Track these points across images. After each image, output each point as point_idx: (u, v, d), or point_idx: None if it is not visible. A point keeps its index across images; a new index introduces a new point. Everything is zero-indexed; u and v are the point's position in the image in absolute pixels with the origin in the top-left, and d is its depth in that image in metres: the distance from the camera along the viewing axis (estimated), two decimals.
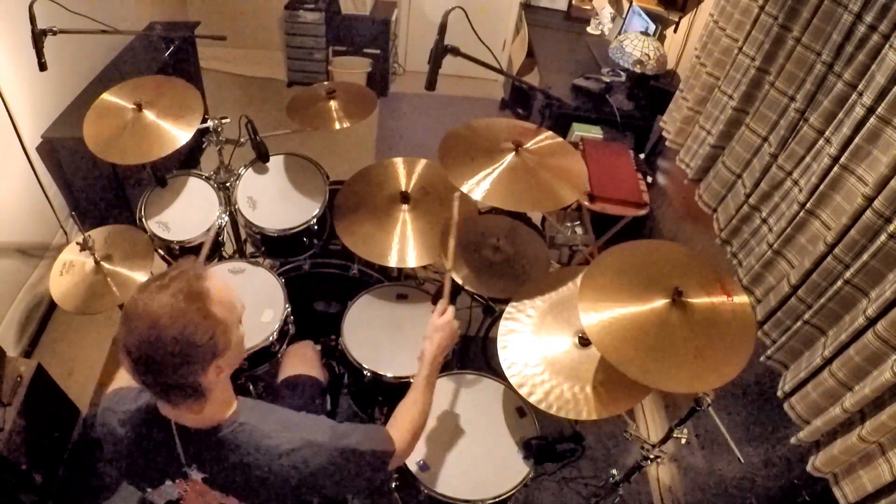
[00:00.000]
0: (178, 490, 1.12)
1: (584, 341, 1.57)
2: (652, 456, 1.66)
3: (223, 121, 2.07)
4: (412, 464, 1.60)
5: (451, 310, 1.43)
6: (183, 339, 0.90)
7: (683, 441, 1.56)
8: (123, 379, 1.24)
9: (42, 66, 1.94)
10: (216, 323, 0.94)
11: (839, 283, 1.43)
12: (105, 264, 1.84)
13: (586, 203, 2.47)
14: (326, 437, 1.12)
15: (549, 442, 1.63)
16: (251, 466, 1.05)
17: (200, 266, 1.02)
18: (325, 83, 2.40)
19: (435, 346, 1.37)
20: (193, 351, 0.92)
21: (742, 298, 1.40)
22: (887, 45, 1.37)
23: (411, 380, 1.80)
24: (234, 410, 1.08)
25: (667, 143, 2.50)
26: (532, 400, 1.48)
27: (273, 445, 1.06)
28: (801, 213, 1.61)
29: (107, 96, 1.99)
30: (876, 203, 1.32)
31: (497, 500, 1.56)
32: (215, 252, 2.26)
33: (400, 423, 1.27)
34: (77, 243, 1.79)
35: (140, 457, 1.10)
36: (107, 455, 1.13)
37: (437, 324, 1.40)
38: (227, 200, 2.17)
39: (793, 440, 1.52)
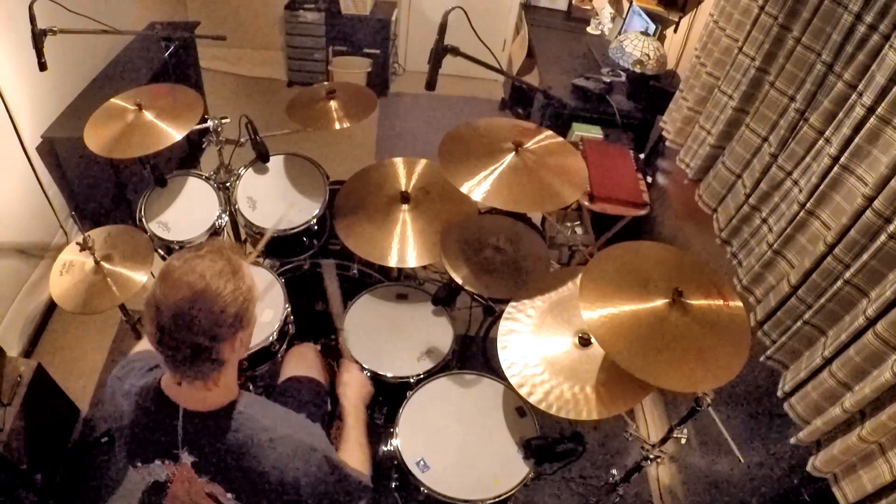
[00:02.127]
0: (165, 472, 1.13)
1: (584, 341, 1.57)
2: (652, 456, 1.66)
3: (223, 121, 2.07)
4: (412, 463, 1.60)
5: (353, 366, 1.65)
6: (221, 300, 0.95)
7: (683, 441, 1.56)
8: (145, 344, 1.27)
9: (42, 66, 1.95)
10: (248, 295, 1.00)
11: (839, 283, 1.43)
12: (105, 264, 1.84)
13: (586, 203, 2.47)
14: (322, 447, 1.15)
15: (549, 442, 1.63)
16: (242, 456, 1.07)
17: (235, 245, 1.07)
18: (325, 83, 2.40)
19: (351, 401, 1.51)
20: (227, 315, 0.96)
21: (738, 304, 1.41)
22: (887, 45, 1.37)
23: (411, 380, 1.82)
24: (236, 399, 1.10)
25: (667, 143, 2.50)
26: (532, 400, 1.48)
27: (268, 439, 1.08)
28: (801, 213, 1.61)
29: (114, 100, 2.01)
30: (876, 203, 1.32)
31: (497, 500, 1.56)
32: None
33: (358, 464, 1.33)
34: (77, 243, 1.79)
35: (137, 432, 1.11)
36: (108, 421, 1.17)
37: (344, 380, 1.58)
38: (227, 200, 2.17)
39: (793, 440, 1.52)
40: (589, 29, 3.99)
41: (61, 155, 2.72)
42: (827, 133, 1.60)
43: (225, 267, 0.97)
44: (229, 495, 1.11)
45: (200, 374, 1.00)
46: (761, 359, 1.69)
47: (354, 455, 1.35)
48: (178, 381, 1.02)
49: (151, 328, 0.95)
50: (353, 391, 1.55)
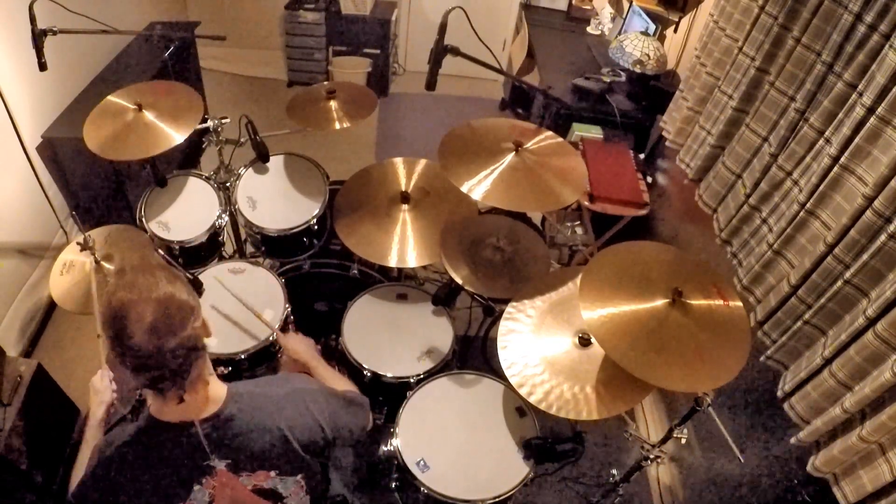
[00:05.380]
0: (207, 492, 1.11)
1: (584, 341, 1.57)
2: (652, 456, 1.66)
3: (223, 121, 2.07)
4: (412, 463, 1.60)
5: (287, 335, 1.73)
6: (178, 293, 1.00)
7: (683, 441, 1.56)
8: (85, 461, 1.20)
9: (42, 66, 1.94)
10: (185, 281, 1.06)
11: (839, 283, 1.43)
12: (105, 264, 1.84)
13: (586, 203, 2.47)
14: (316, 385, 1.28)
15: (549, 442, 1.63)
16: (264, 430, 1.11)
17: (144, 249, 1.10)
18: (325, 83, 2.40)
19: (307, 358, 1.58)
20: (189, 300, 1.02)
21: (738, 304, 1.41)
22: (887, 45, 1.37)
23: (411, 380, 1.82)
24: (227, 389, 1.13)
25: (667, 143, 2.50)
26: (532, 400, 1.48)
27: (273, 401, 1.14)
28: (801, 213, 1.61)
29: (111, 98, 2.00)
30: (876, 203, 1.33)
31: (497, 500, 1.56)
32: (214, 252, 2.26)
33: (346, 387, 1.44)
34: (77, 243, 1.79)
35: (161, 472, 1.08)
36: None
37: (291, 347, 1.66)
38: (227, 200, 2.17)
39: (793, 440, 1.52)
40: (589, 29, 3.99)
41: (61, 155, 2.72)
42: (827, 133, 1.60)
43: (157, 269, 1.02)
44: (272, 473, 1.13)
45: (195, 372, 1.02)
46: (761, 359, 1.69)
47: (339, 384, 1.46)
48: (178, 399, 1.02)
49: (130, 364, 0.96)
50: (304, 352, 1.61)
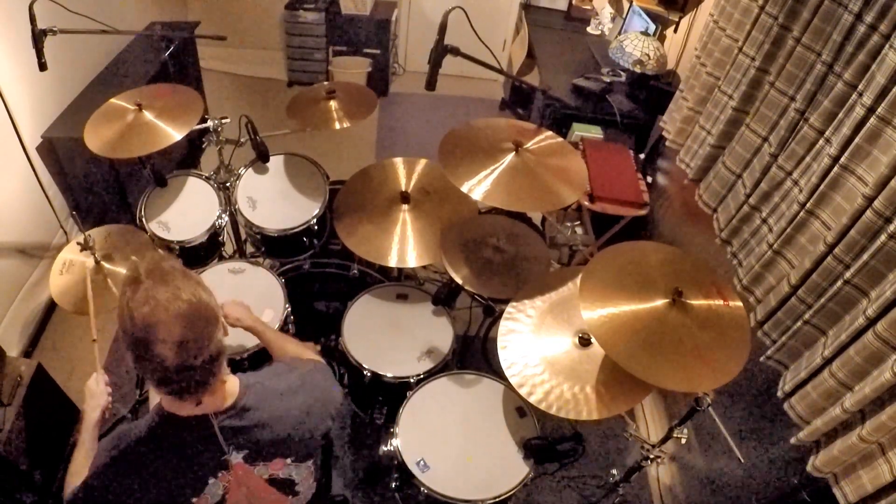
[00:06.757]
0: (221, 485, 1.11)
1: (584, 341, 1.57)
2: (652, 456, 1.66)
3: (223, 121, 2.07)
4: (412, 463, 1.60)
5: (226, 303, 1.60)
6: (203, 301, 0.99)
7: (683, 441, 1.56)
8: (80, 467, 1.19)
9: (42, 66, 1.95)
10: (199, 279, 1.04)
11: (839, 283, 1.43)
12: (105, 264, 1.84)
13: (586, 203, 2.47)
14: (311, 364, 1.30)
15: (549, 442, 1.63)
16: (278, 417, 1.13)
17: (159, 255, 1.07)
18: (325, 83, 2.40)
19: (249, 320, 1.53)
20: (212, 308, 1.01)
21: (738, 304, 1.41)
22: (887, 45, 1.37)
23: (411, 380, 1.82)
24: (240, 381, 1.14)
25: (667, 143, 2.50)
26: (532, 400, 1.48)
27: (286, 389, 1.18)
28: (801, 213, 1.61)
29: (113, 101, 2.01)
30: (876, 203, 1.32)
31: (497, 500, 1.56)
32: (214, 252, 2.26)
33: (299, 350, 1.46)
34: (77, 243, 1.79)
35: (176, 467, 1.08)
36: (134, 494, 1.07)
37: (229, 313, 1.54)
38: (227, 200, 2.17)
39: (793, 440, 1.52)
40: (589, 29, 3.99)
41: (61, 155, 2.72)
42: (827, 133, 1.60)
43: (172, 275, 0.98)
44: (288, 460, 1.15)
45: (217, 376, 1.03)
46: (761, 359, 1.69)
47: (292, 347, 1.47)
48: (196, 402, 1.03)
49: (154, 378, 0.96)
50: (245, 317, 1.53)
